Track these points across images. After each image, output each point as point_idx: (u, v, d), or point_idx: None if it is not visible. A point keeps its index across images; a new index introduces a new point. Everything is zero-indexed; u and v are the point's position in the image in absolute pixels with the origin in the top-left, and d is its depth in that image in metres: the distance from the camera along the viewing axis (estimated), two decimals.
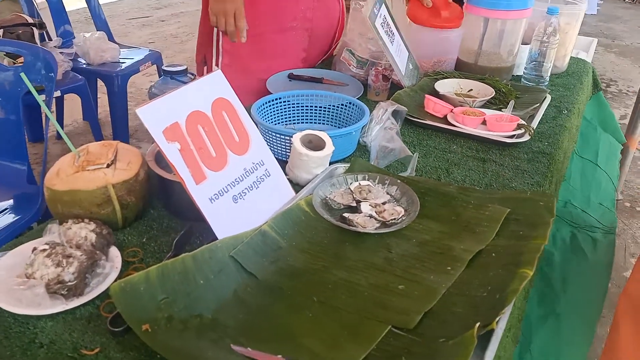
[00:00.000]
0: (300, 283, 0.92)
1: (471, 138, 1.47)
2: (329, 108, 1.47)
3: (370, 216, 1.08)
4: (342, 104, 1.45)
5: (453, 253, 0.99)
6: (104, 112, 3.27)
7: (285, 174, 1.22)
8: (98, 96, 3.31)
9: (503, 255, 0.97)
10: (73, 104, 3.21)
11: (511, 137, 1.45)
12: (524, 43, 1.89)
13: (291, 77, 1.85)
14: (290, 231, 1.02)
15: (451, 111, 1.56)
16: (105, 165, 0.97)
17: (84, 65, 3.01)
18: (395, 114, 1.43)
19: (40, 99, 0.94)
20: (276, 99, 1.43)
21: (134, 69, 3.07)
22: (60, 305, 0.82)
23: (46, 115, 2.93)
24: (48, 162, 1.41)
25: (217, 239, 0.94)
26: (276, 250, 0.98)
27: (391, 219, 1.06)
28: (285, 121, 1.47)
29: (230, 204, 0.99)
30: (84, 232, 0.93)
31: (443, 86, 1.70)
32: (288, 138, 1.23)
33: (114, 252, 0.94)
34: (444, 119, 1.55)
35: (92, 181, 0.96)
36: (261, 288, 0.90)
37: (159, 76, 2.69)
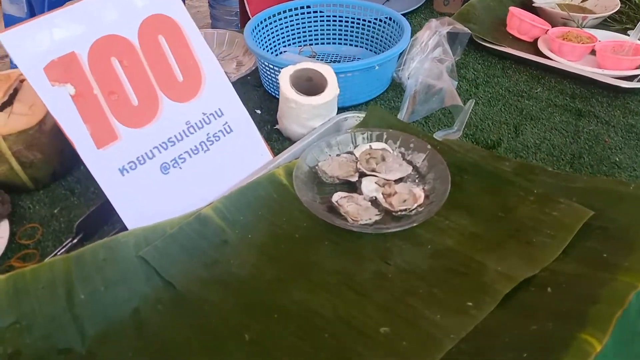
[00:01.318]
0: (234, 305, 0.64)
1: (568, 77, 1.03)
2: (363, 23, 1.09)
3: (373, 200, 0.75)
4: (378, 19, 1.06)
5: (483, 277, 0.65)
6: None
7: (275, 123, 0.90)
8: None
9: (564, 294, 0.61)
10: None
11: (631, 78, 0.99)
12: None
13: None
14: (247, 217, 0.73)
15: (545, 33, 1.11)
16: None
17: None
18: (454, 38, 1.02)
19: None
20: (283, 11, 1.07)
21: None
22: None
23: None
24: None
25: (126, 229, 0.67)
26: (218, 246, 0.69)
27: (400, 209, 0.73)
28: (302, 40, 1.12)
29: (157, 175, 0.70)
30: None
31: None
32: (278, 71, 0.90)
33: (2, 229, 0.72)
34: (532, 45, 1.11)
35: None
36: (178, 307, 0.64)
37: None
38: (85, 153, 0.65)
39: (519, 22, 1.12)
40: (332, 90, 0.84)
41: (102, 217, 0.73)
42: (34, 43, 0.64)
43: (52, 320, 0.59)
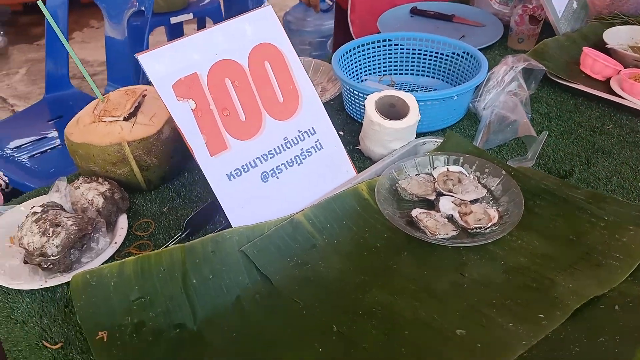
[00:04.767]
0: (324, 301, 0.73)
1: (639, 115, 1.09)
2: (441, 57, 1.19)
3: (450, 218, 0.83)
4: (457, 54, 1.16)
5: (554, 293, 0.71)
6: None
7: (357, 144, 1.01)
8: None
9: (631, 313, 0.67)
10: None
11: None
12: None
13: (414, 12, 1.57)
14: (333, 225, 0.82)
15: (618, 73, 1.17)
16: (122, 118, 0.86)
17: None
18: (528, 73, 1.10)
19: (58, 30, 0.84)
20: (368, 43, 1.18)
21: None
22: (38, 282, 0.75)
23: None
24: None
25: (230, 226, 0.78)
26: (307, 250, 0.79)
27: (475, 227, 0.81)
28: (385, 70, 1.23)
29: (257, 182, 0.82)
30: (92, 194, 0.84)
31: (615, 36, 1.29)
32: (364, 97, 1.00)
33: (122, 221, 0.84)
34: (604, 84, 1.17)
35: (106, 136, 0.85)
36: (273, 299, 0.73)
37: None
38: (201, 159, 0.77)
39: (593, 61, 1.19)
40: (414, 116, 0.93)
41: (206, 217, 0.85)
42: (166, 64, 0.77)
43: (170, 299, 0.70)
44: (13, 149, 1.66)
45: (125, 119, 0.87)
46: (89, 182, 0.86)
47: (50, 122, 1.83)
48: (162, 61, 0.77)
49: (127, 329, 0.66)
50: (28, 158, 1.63)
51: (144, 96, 0.91)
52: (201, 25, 3.11)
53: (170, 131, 0.90)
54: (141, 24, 1.84)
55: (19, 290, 0.76)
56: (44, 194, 0.91)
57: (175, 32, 3.03)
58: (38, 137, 1.73)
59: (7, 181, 1.58)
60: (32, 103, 2.95)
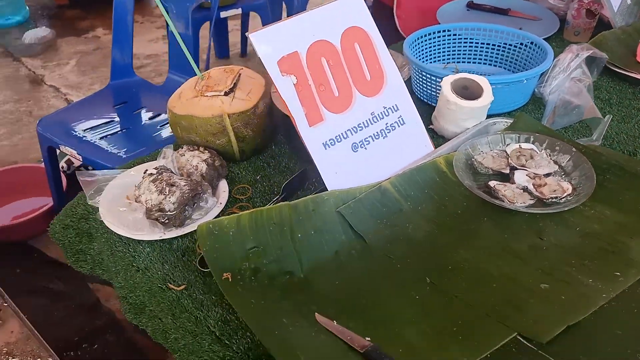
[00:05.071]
0: (415, 257, 0.81)
1: None
2: (504, 47, 1.26)
3: (525, 189, 0.90)
4: (521, 44, 1.22)
5: (629, 255, 0.78)
6: None
7: (430, 123, 1.08)
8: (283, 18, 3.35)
9: None
10: (255, 23, 3.33)
11: None
12: None
13: (470, 5, 1.64)
14: (417, 193, 0.90)
15: None
16: (222, 93, 0.95)
17: None
18: (590, 62, 1.16)
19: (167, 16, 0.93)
20: (436, 32, 1.26)
21: None
22: (158, 234, 0.84)
23: (240, 31, 3.07)
24: None
25: (326, 190, 0.86)
26: (395, 213, 0.87)
27: (551, 197, 0.87)
28: (448, 59, 1.30)
29: (349, 152, 0.90)
30: (196, 161, 0.93)
31: None
32: (439, 80, 1.08)
33: (223, 186, 0.93)
34: None
35: (208, 108, 0.94)
36: (367, 254, 0.82)
37: None
38: (302, 128, 0.86)
39: None
40: (488, 97, 1.01)
41: (299, 183, 0.94)
42: (271, 43, 0.86)
43: (280, 250, 0.78)
44: (85, 130, 1.77)
45: (226, 94, 0.95)
46: (192, 150, 0.95)
47: (115, 107, 1.94)
48: (268, 40, 0.85)
49: (246, 273, 0.75)
50: (99, 139, 1.73)
51: (240, 74, 1.00)
52: (245, 20, 3.21)
53: (264, 107, 0.99)
54: (199, 18, 1.96)
55: (139, 241, 0.85)
56: (145, 162, 1.00)
57: (221, 26, 3.14)
58: (107, 120, 1.83)
59: (81, 160, 1.70)
60: (83, 93, 3.09)
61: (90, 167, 2.23)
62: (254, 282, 0.74)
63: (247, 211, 0.80)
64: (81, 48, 3.66)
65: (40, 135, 1.81)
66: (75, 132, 1.78)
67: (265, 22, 3.10)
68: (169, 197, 0.85)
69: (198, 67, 1.02)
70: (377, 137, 0.93)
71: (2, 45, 3.62)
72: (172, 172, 0.90)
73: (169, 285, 0.78)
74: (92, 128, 1.79)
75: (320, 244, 0.81)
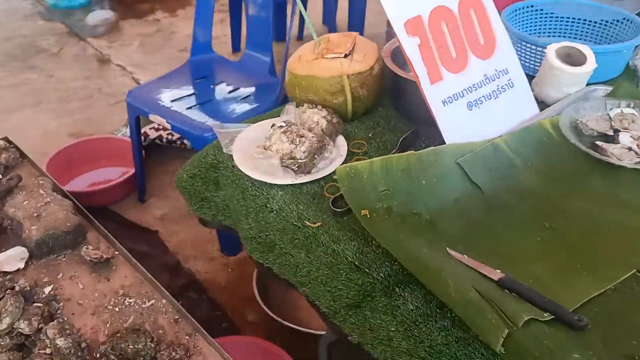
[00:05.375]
0: (530, 206, 0.87)
1: None
2: (597, 23, 1.30)
3: (630, 149, 0.96)
4: (615, 20, 1.26)
5: None
6: (343, 18, 3.36)
7: (531, 90, 1.14)
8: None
9: None
10: (314, 7, 3.39)
11: None
12: None
13: None
14: (527, 151, 0.96)
15: None
16: (342, 55, 1.03)
17: None
18: None
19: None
20: (530, 6, 1.31)
21: None
22: (290, 179, 0.93)
23: (298, 16, 3.12)
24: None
25: (444, 144, 0.93)
26: (508, 167, 0.94)
27: None
28: (541, 32, 1.35)
29: (464, 110, 0.96)
30: (317, 117, 1.01)
31: None
32: (541, 49, 1.13)
33: (341, 140, 1.01)
34: None
35: (328, 69, 1.02)
36: (485, 202, 0.88)
37: None
38: (424, 86, 0.93)
39: None
40: (591, 64, 1.06)
41: (413, 139, 1.01)
42: (399, 6, 0.93)
43: (408, 193, 0.86)
44: (171, 101, 1.88)
45: (345, 56, 1.03)
46: (312, 108, 1.03)
47: (196, 81, 2.05)
48: (396, 4, 0.92)
49: (380, 211, 0.83)
50: (185, 109, 1.84)
51: (355, 39, 1.07)
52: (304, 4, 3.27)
53: (379, 69, 1.06)
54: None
55: (272, 185, 0.94)
56: (266, 118, 1.08)
57: (280, 10, 3.22)
58: (190, 93, 1.94)
59: (170, 127, 1.80)
60: (148, 71, 3.21)
61: (164, 139, 2.35)
62: (387, 219, 0.82)
63: (378, 158, 0.87)
64: (143, 30, 3.79)
65: (129, 106, 1.93)
66: (163, 102, 1.89)
67: (328, 7, 3.16)
68: (300, 147, 0.93)
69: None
70: (489, 97, 0.99)
71: (68, 26, 3.77)
72: (297, 125, 0.98)
73: (306, 222, 0.87)
74: (178, 99, 1.90)
75: (442, 190, 0.88)
